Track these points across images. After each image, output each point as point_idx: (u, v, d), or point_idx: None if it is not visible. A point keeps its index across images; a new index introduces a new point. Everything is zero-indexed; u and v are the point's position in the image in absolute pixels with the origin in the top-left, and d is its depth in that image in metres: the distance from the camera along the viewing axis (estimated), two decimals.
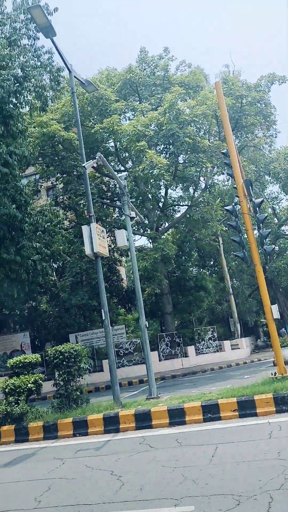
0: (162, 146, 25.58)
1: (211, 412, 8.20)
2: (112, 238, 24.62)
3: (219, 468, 5.35)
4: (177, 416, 8.36)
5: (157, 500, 4.60)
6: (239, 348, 26.62)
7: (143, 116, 23.89)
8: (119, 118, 23.87)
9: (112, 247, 26.11)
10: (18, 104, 15.62)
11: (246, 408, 8.06)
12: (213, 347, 25.66)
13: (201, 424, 8.01)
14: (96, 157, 11.55)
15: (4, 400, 10.14)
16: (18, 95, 15.37)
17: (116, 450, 7.21)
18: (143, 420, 8.59)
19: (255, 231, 13.32)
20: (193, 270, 33.76)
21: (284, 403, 7.89)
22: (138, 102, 27.16)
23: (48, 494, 5.40)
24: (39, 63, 16.91)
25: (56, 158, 24.97)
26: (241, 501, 4.19)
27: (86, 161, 11.82)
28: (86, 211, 23.71)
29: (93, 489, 5.34)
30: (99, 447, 7.59)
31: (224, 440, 6.72)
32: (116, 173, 14.83)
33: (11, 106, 15.30)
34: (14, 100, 15.29)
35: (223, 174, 26.85)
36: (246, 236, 11.82)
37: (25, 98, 15.99)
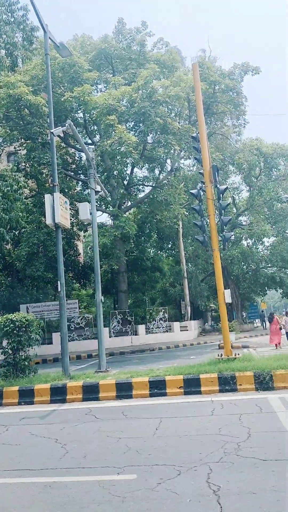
0: (133, 123, 25.21)
1: (157, 387, 8.42)
2: (72, 211, 24.22)
3: (162, 440, 5.53)
4: (124, 390, 8.53)
5: (100, 468, 4.70)
6: (187, 330, 27.34)
7: (116, 89, 23.34)
8: (91, 89, 23.18)
9: (71, 221, 25.67)
10: None
11: (191, 385, 8.34)
12: (163, 327, 26.20)
13: (147, 399, 8.22)
14: (66, 124, 11.22)
15: None
16: None
17: (61, 419, 7.26)
18: (91, 392, 8.69)
19: (216, 217, 13.55)
20: (151, 251, 34.13)
21: (227, 383, 8.24)
22: (112, 75, 26.50)
23: None
24: (12, 19, 15.94)
25: (21, 122, 23.96)
26: (181, 471, 4.37)
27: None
28: (49, 180, 23.24)
29: (37, 456, 5.37)
30: (44, 416, 7.62)
31: (168, 414, 6.93)
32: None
33: None
34: None
35: (189, 158, 26.92)
36: (207, 221, 12.01)
37: None
